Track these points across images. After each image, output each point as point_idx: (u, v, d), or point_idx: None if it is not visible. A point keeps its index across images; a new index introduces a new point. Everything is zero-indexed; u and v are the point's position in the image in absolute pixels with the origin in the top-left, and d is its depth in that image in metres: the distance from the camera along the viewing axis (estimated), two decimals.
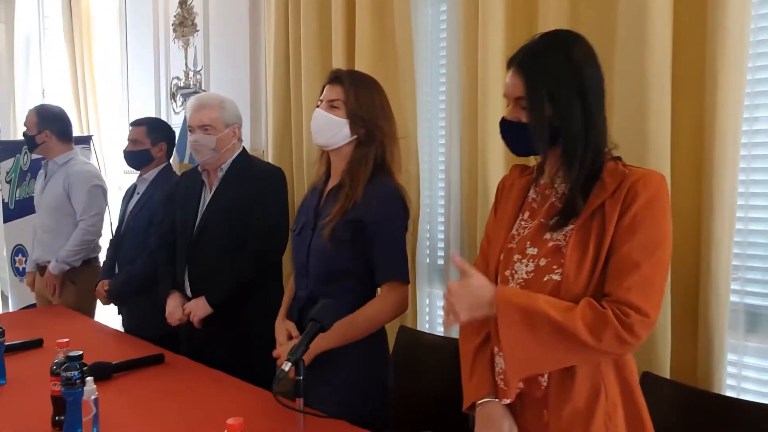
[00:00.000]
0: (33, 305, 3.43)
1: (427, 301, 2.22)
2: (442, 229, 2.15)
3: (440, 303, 2.18)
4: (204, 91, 2.92)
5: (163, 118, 3.55)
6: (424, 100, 2.18)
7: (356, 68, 2.12)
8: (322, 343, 1.39)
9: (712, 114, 1.36)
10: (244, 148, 2.12)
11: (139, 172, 2.50)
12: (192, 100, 2.07)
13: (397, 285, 1.50)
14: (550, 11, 1.61)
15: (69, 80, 4.29)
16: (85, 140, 3.55)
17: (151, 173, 2.45)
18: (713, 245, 1.37)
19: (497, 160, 1.79)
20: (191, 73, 3.30)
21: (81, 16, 4.18)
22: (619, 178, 1.07)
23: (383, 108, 1.57)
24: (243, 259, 1.92)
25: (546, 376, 1.09)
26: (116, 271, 2.42)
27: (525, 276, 1.12)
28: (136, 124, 2.48)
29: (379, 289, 1.57)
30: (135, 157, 2.44)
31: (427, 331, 2.13)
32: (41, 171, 2.85)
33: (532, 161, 1.25)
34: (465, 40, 1.89)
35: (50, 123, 2.75)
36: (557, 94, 1.07)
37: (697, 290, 1.42)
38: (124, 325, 2.40)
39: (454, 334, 2.02)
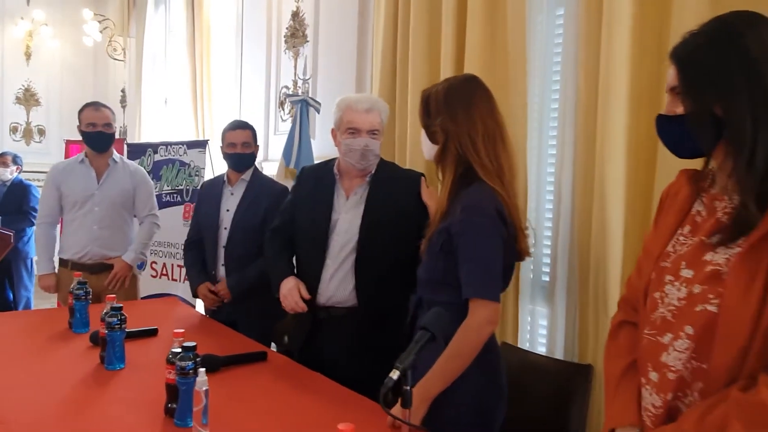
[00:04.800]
0: (150, 296, 3.68)
1: (529, 318, 2.12)
2: (548, 244, 2.05)
3: (543, 321, 2.07)
4: (312, 98, 3.00)
5: (271, 124, 3.72)
6: (534, 109, 2.10)
7: None
8: (430, 386, 1.34)
9: None
10: None
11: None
12: (356, 101, 1.89)
13: (483, 303, 1.37)
14: (685, 10, 1.48)
15: (189, 89, 4.61)
16: (202, 144, 3.78)
17: (247, 174, 2.52)
18: None
19: (618, 173, 1.67)
20: (300, 82, 3.43)
21: (202, 30, 4.49)
22: None
23: (449, 104, 1.46)
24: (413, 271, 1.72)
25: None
26: (219, 271, 2.46)
27: (676, 303, 0.97)
28: (243, 127, 2.53)
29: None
30: (248, 160, 2.53)
31: (529, 350, 2.03)
32: (86, 170, 2.84)
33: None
34: (585, 43, 1.79)
35: None
36: (715, 75, 0.92)
37: None
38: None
39: (558, 354, 1.92)
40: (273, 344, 2.50)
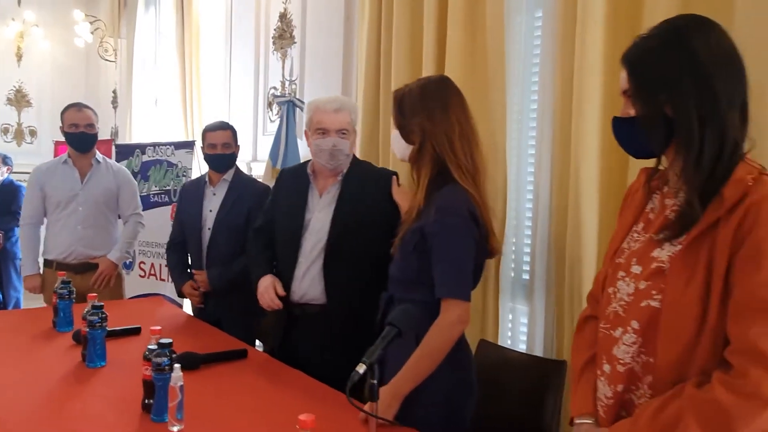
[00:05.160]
0: (139, 296, 3.70)
1: (510, 316, 2.14)
2: (528, 242, 2.08)
3: (524, 319, 2.10)
4: (299, 99, 3.02)
5: (260, 125, 3.74)
6: (514, 109, 2.13)
7: None
8: (402, 384, 1.36)
9: None
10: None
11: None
12: (325, 102, 1.92)
13: (455, 302, 1.39)
14: (657, 12, 1.50)
15: (178, 90, 4.62)
16: (189, 145, 3.80)
17: (229, 174, 2.54)
18: None
19: (591, 172, 1.70)
20: (287, 83, 3.44)
21: (191, 31, 4.50)
22: (740, 191, 0.88)
23: (425, 104, 1.47)
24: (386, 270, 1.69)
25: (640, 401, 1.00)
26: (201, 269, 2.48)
27: (626, 298, 1.01)
28: (223, 128, 2.55)
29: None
30: (228, 160, 2.55)
31: (510, 347, 2.05)
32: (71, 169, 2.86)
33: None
34: (561, 45, 1.82)
35: None
36: (665, 76, 0.94)
37: None
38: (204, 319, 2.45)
39: (537, 351, 1.94)
40: (259, 342, 2.52)
